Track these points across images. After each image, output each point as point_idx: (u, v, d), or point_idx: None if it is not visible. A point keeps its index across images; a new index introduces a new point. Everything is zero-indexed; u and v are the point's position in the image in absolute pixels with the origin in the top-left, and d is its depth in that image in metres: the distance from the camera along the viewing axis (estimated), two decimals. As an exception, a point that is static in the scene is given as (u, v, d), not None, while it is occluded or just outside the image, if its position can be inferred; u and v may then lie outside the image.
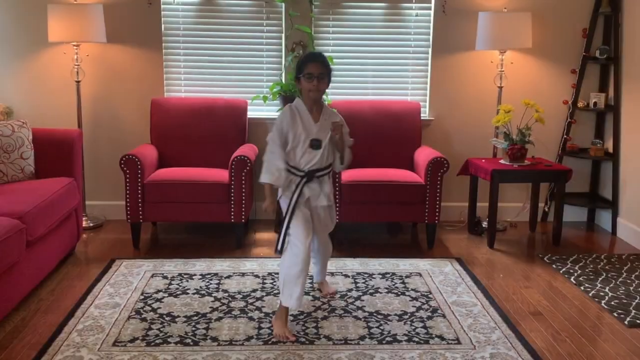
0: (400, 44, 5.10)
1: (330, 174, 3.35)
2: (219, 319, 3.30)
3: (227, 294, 3.62)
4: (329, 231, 3.52)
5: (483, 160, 4.78)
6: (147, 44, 4.96)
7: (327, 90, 3.34)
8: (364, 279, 3.90)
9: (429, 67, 5.12)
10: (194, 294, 3.63)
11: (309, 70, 3.16)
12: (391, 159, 4.83)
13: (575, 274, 4.04)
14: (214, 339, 3.07)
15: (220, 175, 4.42)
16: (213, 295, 3.61)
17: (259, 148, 4.78)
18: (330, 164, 3.31)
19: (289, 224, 3.17)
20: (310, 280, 3.71)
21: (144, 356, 2.90)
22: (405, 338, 3.11)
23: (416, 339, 3.10)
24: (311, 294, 3.64)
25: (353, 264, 4.16)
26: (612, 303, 3.60)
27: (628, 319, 3.39)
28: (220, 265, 4.11)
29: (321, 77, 3.16)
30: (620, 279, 3.97)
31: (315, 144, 3.20)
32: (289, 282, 3.11)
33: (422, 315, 3.38)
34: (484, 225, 4.93)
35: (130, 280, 3.83)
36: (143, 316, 3.32)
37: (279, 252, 3.23)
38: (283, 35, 5.00)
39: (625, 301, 3.63)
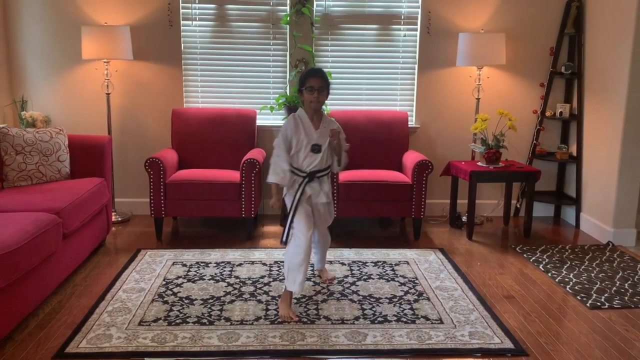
0: (390, 61, 5.09)
1: (329, 175, 3.34)
2: (232, 301, 3.30)
3: (238, 280, 3.62)
4: (328, 225, 3.51)
5: (463, 163, 4.78)
6: (169, 61, 4.96)
7: (326, 101, 3.34)
8: (358, 266, 3.90)
9: (416, 81, 5.11)
10: (209, 279, 3.63)
11: (310, 84, 3.15)
12: (382, 162, 4.83)
13: (544, 262, 4.04)
14: (227, 319, 3.07)
15: (233, 175, 4.41)
16: (226, 281, 3.61)
17: (266, 152, 4.77)
18: (329, 166, 3.30)
19: (293, 218, 3.17)
20: (311, 268, 3.71)
21: (165, 334, 2.90)
22: (395, 318, 3.11)
23: (404, 319, 3.10)
24: (312, 279, 3.64)
25: (349, 254, 4.15)
26: (576, 288, 3.60)
27: (590, 301, 3.39)
28: (233, 254, 4.11)
29: (321, 90, 3.16)
30: (583, 267, 3.97)
31: (315, 149, 3.20)
32: (293, 270, 3.11)
33: (409, 299, 3.38)
34: (463, 220, 4.93)
35: (154, 267, 3.83)
36: (165, 299, 3.32)
37: (284, 243, 3.22)
38: (288, 53, 5.00)
39: (587, 286, 3.63)
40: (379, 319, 3.10)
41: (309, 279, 3.62)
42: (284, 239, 3.20)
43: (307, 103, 3.20)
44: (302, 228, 3.14)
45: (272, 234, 4.67)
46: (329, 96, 3.29)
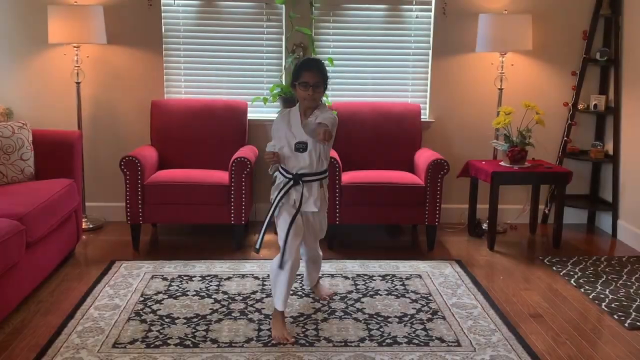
0: (400, 46, 5.10)
1: (324, 182, 3.31)
2: (219, 320, 3.30)
3: (226, 296, 3.62)
4: (318, 239, 3.51)
5: (483, 162, 4.79)
6: (148, 45, 4.96)
7: (327, 92, 3.32)
8: (364, 280, 3.90)
9: (429, 69, 5.12)
10: (193, 295, 3.62)
11: (304, 79, 3.13)
12: (391, 161, 4.83)
13: (576, 276, 4.04)
14: (214, 341, 3.07)
15: (220, 176, 4.42)
16: (213, 297, 3.61)
17: (259, 149, 4.78)
18: (322, 172, 3.26)
19: (270, 223, 3.22)
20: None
21: (143, 358, 2.90)
22: (405, 340, 3.11)
23: (416, 341, 3.10)
24: (310, 295, 3.64)
25: (353, 266, 4.15)
26: (613, 305, 3.60)
27: (628, 321, 3.39)
28: (220, 266, 4.11)
29: (316, 86, 3.13)
30: (621, 281, 3.97)
31: (300, 147, 3.16)
32: (273, 283, 3.17)
33: (422, 317, 3.38)
34: (484, 227, 4.93)
35: (130, 281, 3.82)
36: (143, 318, 3.32)
37: (257, 252, 3.26)
38: (283, 37, 5.00)
39: (625, 303, 3.63)
40: (388, 340, 3.10)
41: (307, 295, 3.62)
42: (257, 246, 3.24)
43: (300, 100, 3.20)
44: (282, 234, 3.17)
45: (267, 242, 4.64)
46: (331, 86, 3.29)
